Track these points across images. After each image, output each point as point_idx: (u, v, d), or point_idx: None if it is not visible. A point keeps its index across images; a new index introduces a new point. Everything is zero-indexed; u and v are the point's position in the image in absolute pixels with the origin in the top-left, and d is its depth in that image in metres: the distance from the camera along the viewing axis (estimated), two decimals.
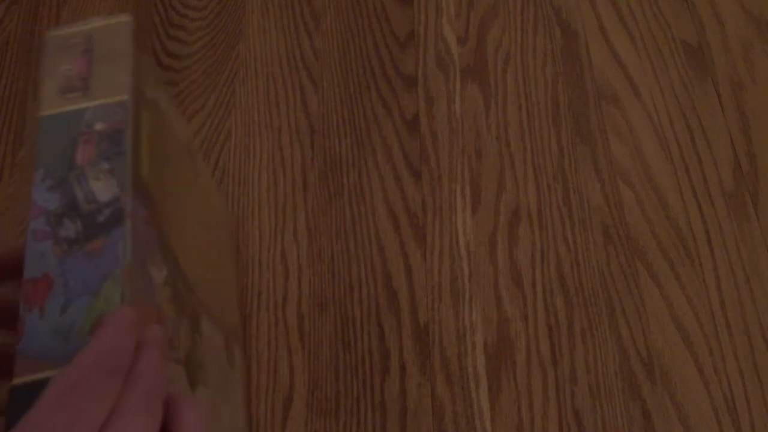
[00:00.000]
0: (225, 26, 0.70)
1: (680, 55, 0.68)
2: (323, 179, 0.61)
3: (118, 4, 0.71)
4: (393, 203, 0.60)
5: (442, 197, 0.60)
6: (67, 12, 0.71)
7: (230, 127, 0.64)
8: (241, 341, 0.49)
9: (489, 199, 0.60)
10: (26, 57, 0.68)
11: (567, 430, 0.50)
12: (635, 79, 0.66)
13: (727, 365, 0.52)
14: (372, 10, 0.71)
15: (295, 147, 0.63)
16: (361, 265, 0.57)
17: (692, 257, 0.57)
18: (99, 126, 0.34)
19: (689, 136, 0.63)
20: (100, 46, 0.37)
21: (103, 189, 0.32)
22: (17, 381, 0.29)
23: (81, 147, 0.33)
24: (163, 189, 0.37)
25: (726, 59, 0.68)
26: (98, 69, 0.36)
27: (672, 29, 0.70)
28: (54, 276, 0.31)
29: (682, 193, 0.60)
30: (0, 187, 0.60)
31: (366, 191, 0.61)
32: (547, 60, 0.68)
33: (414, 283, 0.56)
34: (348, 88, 0.66)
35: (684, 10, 0.71)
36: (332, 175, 0.61)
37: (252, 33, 0.70)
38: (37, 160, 0.33)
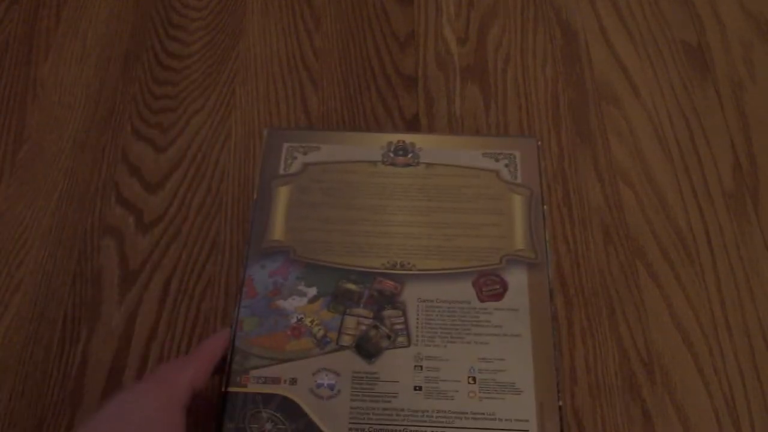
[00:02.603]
0: (225, 26, 0.70)
1: (680, 55, 0.68)
2: None
3: (118, 4, 0.71)
4: None
5: None
6: (67, 12, 0.71)
7: (230, 127, 0.64)
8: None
9: None
10: (26, 57, 0.68)
11: (567, 430, 0.50)
12: (635, 79, 0.66)
13: (727, 365, 0.52)
14: (372, 10, 0.71)
15: None
16: None
17: (692, 257, 0.57)
18: None
19: (689, 136, 0.63)
20: None
21: None
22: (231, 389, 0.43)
23: None
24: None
25: (726, 59, 0.68)
26: None
27: (672, 29, 0.70)
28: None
29: (682, 193, 0.60)
30: (0, 187, 0.60)
31: None
32: (547, 60, 0.68)
33: None
34: (348, 88, 0.66)
35: (684, 10, 0.71)
36: None
37: (252, 33, 0.70)
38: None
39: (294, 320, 0.45)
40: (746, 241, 0.58)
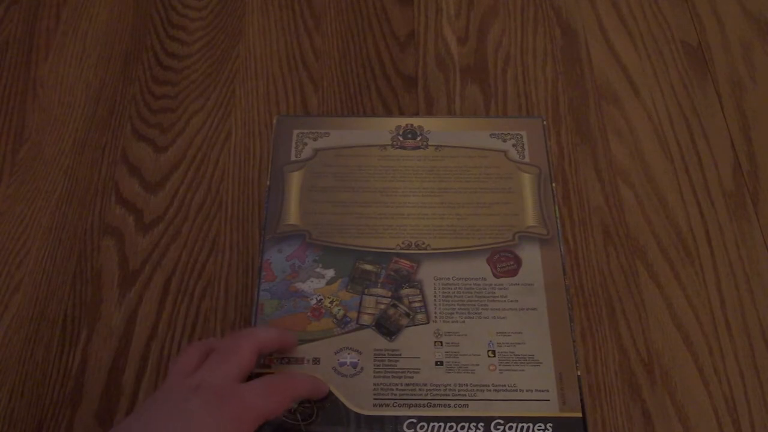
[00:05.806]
0: (225, 26, 0.70)
1: (680, 55, 0.68)
2: None
3: (118, 4, 0.71)
4: None
5: None
6: (67, 12, 0.71)
7: (230, 127, 0.64)
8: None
9: None
10: (26, 57, 0.68)
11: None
12: (635, 79, 0.66)
13: (727, 365, 0.52)
14: (372, 10, 0.71)
15: None
16: None
17: (692, 257, 0.57)
18: None
19: (689, 136, 0.63)
20: None
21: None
22: None
23: None
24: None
25: (726, 59, 0.68)
26: None
27: (672, 29, 0.70)
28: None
29: (682, 193, 0.60)
30: (0, 187, 0.60)
31: None
32: (547, 60, 0.68)
33: None
34: (348, 88, 0.66)
35: (684, 10, 0.71)
36: None
37: (252, 33, 0.70)
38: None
39: (314, 302, 0.47)
40: (746, 241, 0.58)
